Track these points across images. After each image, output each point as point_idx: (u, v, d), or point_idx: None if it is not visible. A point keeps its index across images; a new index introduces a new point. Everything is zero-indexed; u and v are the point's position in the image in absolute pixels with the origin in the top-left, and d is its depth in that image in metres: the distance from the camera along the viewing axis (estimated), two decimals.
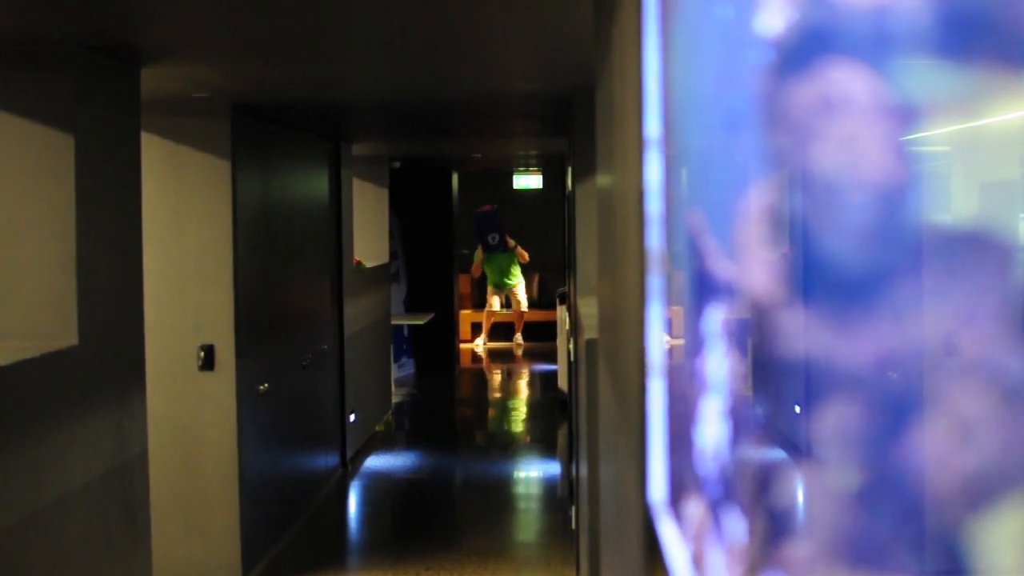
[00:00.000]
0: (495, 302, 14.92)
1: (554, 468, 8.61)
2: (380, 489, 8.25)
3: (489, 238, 14.39)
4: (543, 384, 12.57)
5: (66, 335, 3.81)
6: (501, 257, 14.49)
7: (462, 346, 14.57)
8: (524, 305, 14.89)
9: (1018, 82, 0.65)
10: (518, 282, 14.76)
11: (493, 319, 15.10)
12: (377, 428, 9.81)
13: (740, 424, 1.05)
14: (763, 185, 0.94)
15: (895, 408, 0.73)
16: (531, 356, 14.54)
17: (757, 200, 0.96)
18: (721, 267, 1.09)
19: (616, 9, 2.18)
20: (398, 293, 12.58)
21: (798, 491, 0.90)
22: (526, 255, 14.56)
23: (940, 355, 0.73)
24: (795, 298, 0.84)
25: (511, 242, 14.47)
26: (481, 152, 11.76)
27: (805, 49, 0.78)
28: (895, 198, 0.73)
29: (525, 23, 3.93)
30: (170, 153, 5.65)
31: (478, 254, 14.57)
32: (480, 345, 15.13)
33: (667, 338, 1.55)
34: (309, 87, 5.55)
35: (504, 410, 11.83)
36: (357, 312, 8.93)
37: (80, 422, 3.82)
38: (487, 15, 3.81)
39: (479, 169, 15.10)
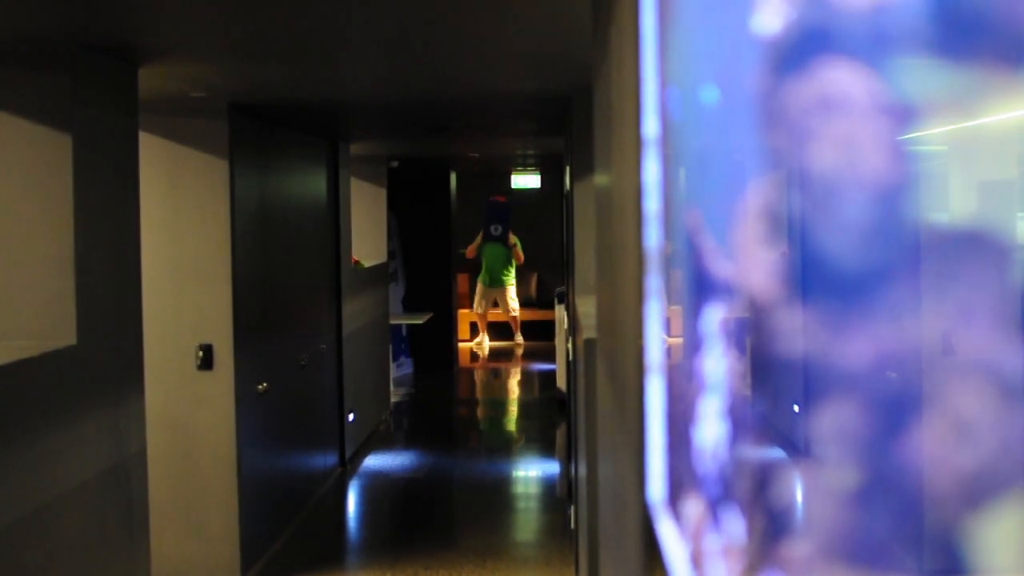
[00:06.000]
0: (481, 306, 14.83)
1: (553, 467, 8.61)
2: (379, 488, 8.25)
3: (492, 228, 14.42)
4: (542, 383, 12.57)
5: (64, 335, 3.81)
6: (498, 250, 14.47)
7: (460, 345, 14.57)
8: (515, 310, 14.87)
9: (1015, 81, 0.65)
10: (510, 285, 14.72)
11: (487, 318, 15.09)
12: (375, 427, 9.81)
13: (739, 423, 1.05)
14: (761, 184, 0.94)
15: (893, 407, 0.73)
16: (530, 355, 14.54)
17: (755, 199, 0.96)
18: (719, 266, 1.09)
19: (614, 8, 2.18)
20: (396, 292, 12.58)
21: (797, 490, 0.90)
22: (521, 257, 14.57)
23: (938, 354, 0.73)
24: (793, 297, 0.84)
25: (512, 238, 14.48)
26: (479, 151, 11.76)
27: (803, 48, 0.78)
28: (893, 197, 0.73)
29: (523, 22, 3.93)
30: (168, 153, 5.65)
31: (478, 238, 14.56)
32: (482, 344, 15.11)
33: (666, 337, 1.55)
34: (307, 87, 5.55)
35: (503, 409, 11.83)
36: (355, 311, 8.93)
37: (78, 422, 3.82)
38: (485, 15, 3.81)
39: (477, 168, 15.10)
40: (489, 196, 14.78)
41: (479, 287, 14.75)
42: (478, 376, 13.75)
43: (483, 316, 15.01)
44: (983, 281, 0.70)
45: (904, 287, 0.73)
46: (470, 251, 14.58)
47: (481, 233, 14.53)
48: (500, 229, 14.44)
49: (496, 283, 14.64)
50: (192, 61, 4.61)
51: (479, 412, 11.81)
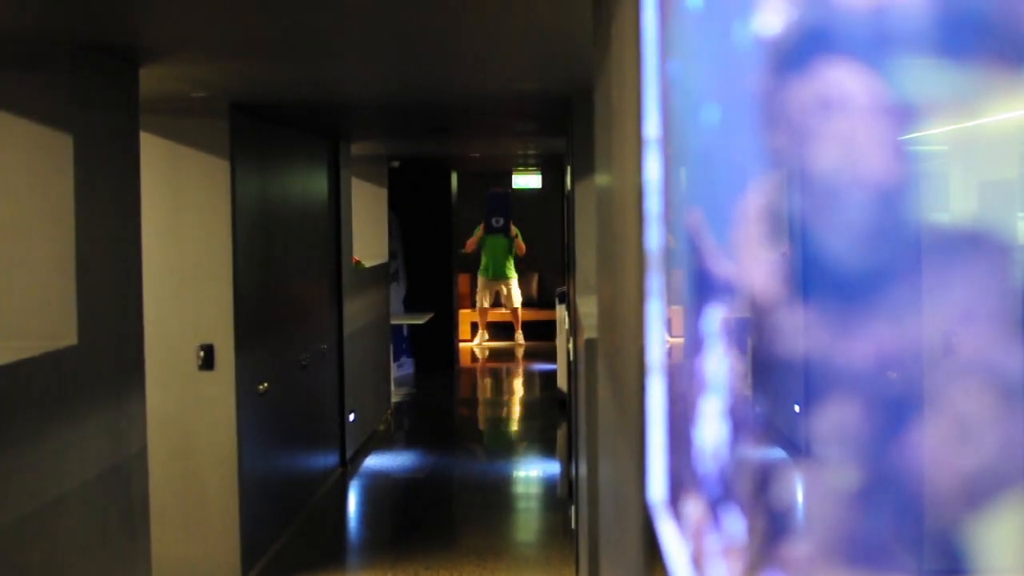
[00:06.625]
0: (485, 299, 14.86)
1: (553, 467, 8.61)
2: (379, 489, 8.25)
3: (493, 220, 14.44)
4: (542, 383, 12.57)
5: (65, 335, 3.81)
6: (500, 241, 14.48)
7: (461, 345, 14.57)
8: (517, 301, 14.87)
9: (1016, 82, 0.65)
10: (513, 277, 14.72)
11: (487, 317, 15.09)
12: (380, 427, 9.81)
13: (739, 423, 1.05)
14: (762, 184, 0.94)
15: (894, 407, 0.73)
16: (530, 355, 14.54)
17: (756, 199, 0.96)
18: (720, 266, 1.09)
19: (615, 8, 2.18)
20: (397, 292, 12.58)
21: (797, 490, 0.90)
22: (523, 247, 14.58)
23: (939, 354, 0.73)
24: (794, 297, 0.84)
25: (513, 230, 14.50)
26: (480, 151, 11.77)
27: (804, 48, 0.78)
28: (894, 197, 0.73)
29: (524, 23, 3.93)
30: (169, 153, 5.65)
31: (478, 231, 14.56)
32: (478, 344, 15.12)
33: (666, 337, 1.55)
34: (308, 86, 5.55)
35: (503, 409, 11.83)
36: (356, 311, 8.93)
37: (79, 422, 3.82)
38: (486, 15, 3.81)
39: (478, 168, 15.11)
40: (488, 189, 14.80)
41: (480, 280, 14.73)
42: (479, 376, 13.76)
43: (484, 312, 14.99)
44: (984, 281, 0.70)
45: (905, 287, 0.73)
46: (469, 245, 14.56)
47: (481, 225, 14.52)
48: (501, 221, 14.44)
49: (499, 275, 14.62)
50: (192, 61, 4.61)
51: (480, 412, 11.81)
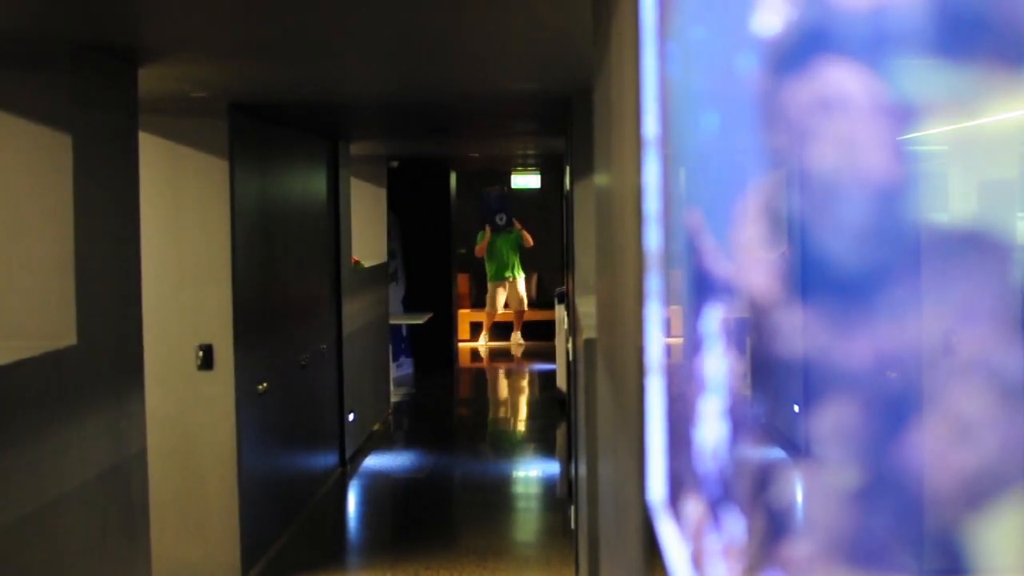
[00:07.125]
0: (499, 302, 14.86)
1: (553, 467, 8.61)
2: (379, 488, 8.25)
3: (497, 218, 14.47)
4: (542, 383, 12.57)
5: (64, 335, 3.81)
6: (507, 238, 14.53)
7: (461, 345, 14.57)
8: (525, 302, 14.90)
9: (1016, 81, 0.65)
10: (519, 275, 14.76)
11: (494, 319, 15.10)
12: (379, 427, 9.82)
13: (739, 423, 1.05)
14: (761, 184, 0.94)
15: (894, 407, 0.73)
16: (530, 355, 14.54)
17: (755, 199, 0.96)
18: (719, 266, 1.09)
19: (614, 8, 2.18)
20: (396, 292, 12.58)
21: (797, 490, 0.90)
22: (530, 239, 14.61)
23: (938, 354, 0.73)
24: (793, 297, 0.84)
25: (517, 224, 14.54)
26: (479, 151, 11.77)
27: (803, 48, 0.78)
28: (893, 197, 0.73)
29: (524, 23, 3.93)
30: (168, 153, 5.65)
31: (485, 234, 14.57)
32: (482, 344, 15.12)
33: (665, 337, 1.55)
34: (307, 87, 5.55)
35: (503, 409, 11.83)
36: (355, 311, 8.93)
37: (78, 422, 3.82)
38: (486, 15, 3.81)
39: (477, 168, 15.12)
40: (483, 190, 14.83)
41: (490, 287, 14.78)
42: (478, 376, 13.76)
43: (493, 316, 15.01)
44: (983, 281, 0.70)
45: (904, 287, 0.73)
46: (479, 250, 14.63)
47: (487, 228, 14.53)
48: (504, 218, 14.47)
49: (506, 275, 14.65)
50: (192, 61, 4.61)
51: (479, 412, 11.81)
